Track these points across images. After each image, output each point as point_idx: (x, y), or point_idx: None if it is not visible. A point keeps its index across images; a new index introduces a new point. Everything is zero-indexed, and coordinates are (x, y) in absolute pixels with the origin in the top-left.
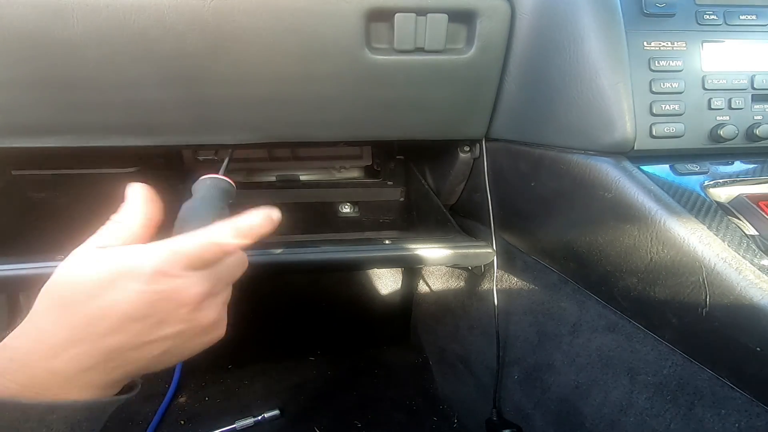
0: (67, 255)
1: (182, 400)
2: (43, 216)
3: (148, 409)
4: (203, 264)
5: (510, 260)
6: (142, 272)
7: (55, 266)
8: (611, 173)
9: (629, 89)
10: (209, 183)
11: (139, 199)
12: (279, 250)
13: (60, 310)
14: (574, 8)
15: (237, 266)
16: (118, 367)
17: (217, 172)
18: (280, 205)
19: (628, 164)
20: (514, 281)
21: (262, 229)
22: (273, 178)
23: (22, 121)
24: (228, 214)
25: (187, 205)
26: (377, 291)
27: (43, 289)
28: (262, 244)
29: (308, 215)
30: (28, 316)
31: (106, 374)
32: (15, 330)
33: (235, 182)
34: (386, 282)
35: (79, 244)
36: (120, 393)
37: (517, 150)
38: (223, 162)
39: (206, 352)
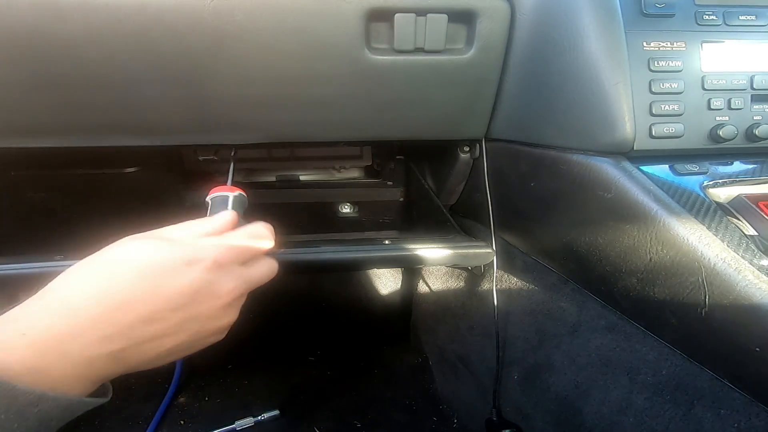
0: (65, 255)
1: (182, 399)
2: (43, 216)
3: (148, 409)
4: (247, 259)
5: (510, 260)
6: (204, 260)
7: (55, 266)
8: (611, 173)
9: (629, 89)
10: (225, 196)
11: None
12: (279, 251)
13: (101, 289)
14: (573, 8)
15: (268, 270)
16: (129, 359)
17: (224, 183)
18: (280, 206)
19: (627, 164)
20: (513, 281)
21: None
22: (273, 178)
23: (22, 121)
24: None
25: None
26: (377, 291)
27: (79, 266)
28: None
29: (308, 215)
30: (51, 291)
31: (113, 366)
32: (28, 302)
33: (237, 184)
34: (386, 282)
35: (78, 244)
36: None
37: (517, 150)
38: (228, 168)
39: (206, 351)
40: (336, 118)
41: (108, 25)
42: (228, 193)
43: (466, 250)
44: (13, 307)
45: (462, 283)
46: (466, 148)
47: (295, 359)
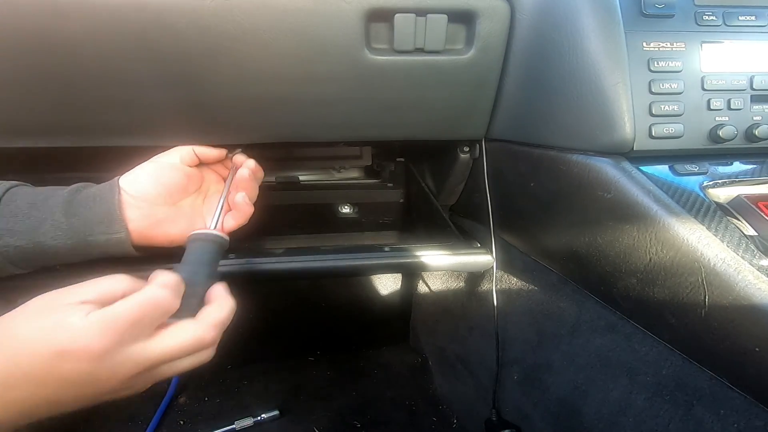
0: None
1: (182, 400)
2: None
3: (148, 409)
4: (144, 331)
5: (510, 261)
6: (81, 351)
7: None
8: (610, 173)
9: (629, 90)
10: (203, 241)
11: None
12: (278, 258)
13: (5, 368)
14: (573, 9)
15: (189, 337)
16: (44, 414)
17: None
18: (280, 207)
19: (627, 165)
20: (513, 282)
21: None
22: (272, 179)
23: (21, 120)
24: (217, 275)
25: (181, 268)
26: (377, 292)
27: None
28: (261, 250)
29: (308, 216)
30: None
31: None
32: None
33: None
34: (386, 283)
35: None
36: None
37: (517, 150)
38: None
39: None
40: (336, 118)
41: (107, 24)
42: (200, 233)
43: (466, 258)
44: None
45: (462, 284)
46: (466, 149)
47: (295, 359)
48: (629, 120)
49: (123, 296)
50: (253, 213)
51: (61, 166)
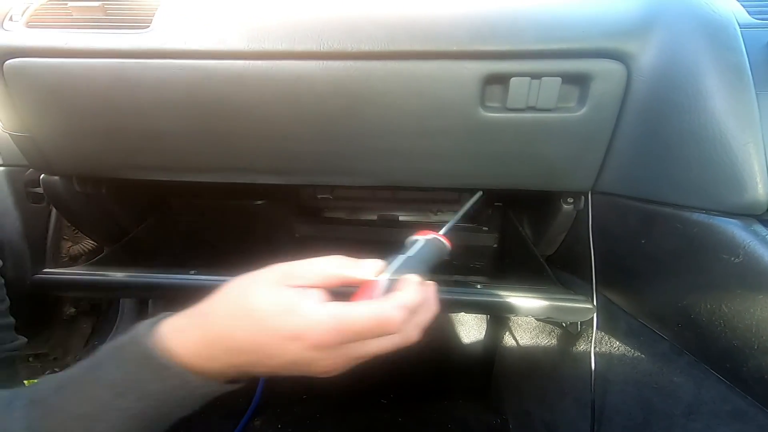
0: (198, 270)
1: (257, 422)
2: (182, 236)
3: (226, 428)
4: (357, 339)
5: (612, 321)
6: (309, 340)
7: (190, 278)
8: (739, 236)
9: (761, 149)
10: (429, 241)
11: (336, 264)
12: None
13: (226, 334)
14: (696, 70)
15: (390, 346)
16: (248, 374)
17: (434, 231)
18: (379, 243)
19: (760, 228)
20: (615, 345)
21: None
22: (374, 217)
23: (192, 161)
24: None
25: (402, 257)
26: (459, 338)
27: (219, 301)
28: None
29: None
30: (199, 324)
31: (239, 376)
32: (186, 320)
33: (341, 219)
34: (469, 330)
35: (208, 261)
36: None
37: (626, 204)
38: (336, 205)
39: (286, 378)
40: (445, 167)
41: (272, 92)
42: (420, 237)
43: (563, 303)
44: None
45: (554, 341)
46: (570, 200)
47: (368, 399)
48: (762, 180)
49: (341, 281)
50: (352, 248)
51: (210, 195)
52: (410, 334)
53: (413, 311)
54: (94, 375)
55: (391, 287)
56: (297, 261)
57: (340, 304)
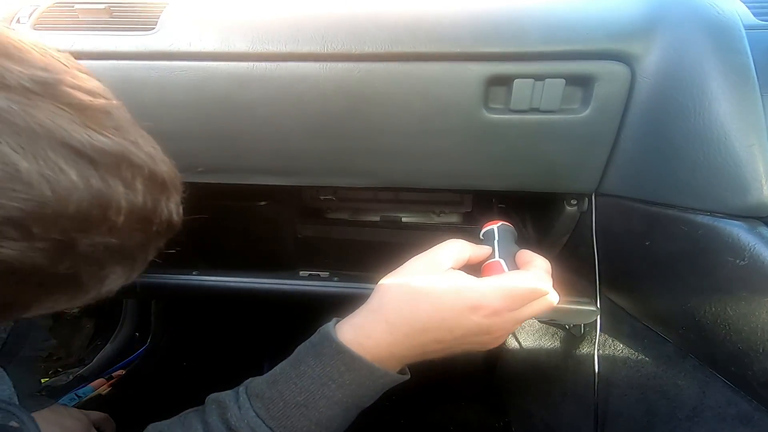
0: (200, 271)
1: None
2: (183, 236)
3: None
4: (522, 304)
5: (615, 323)
6: (487, 308)
7: (193, 279)
8: (744, 238)
9: (766, 151)
10: (508, 230)
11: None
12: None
13: (409, 316)
14: (701, 72)
15: (539, 310)
16: (420, 359)
17: (502, 220)
18: (381, 244)
19: (765, 230)
20: (619, 348)
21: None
22: (377, 218)
23: (200, 162)
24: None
25: (496, 242)
26: None
27: (391, 289)
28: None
29: (406, 255)
30: (375, 311)
31: (412, 361)
32: (361, 314)
33: (344, 220)
34: None
35: (209, 262)
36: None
37: (630, 206)
38: (339, 206)
39: None
40: (447, 168)
41: (276, 91)
42: (493, 227)
43: (567, 306)
44: None
45: (557, 343)
46: (573, 202)
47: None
48: (767, 183)
49: (469, 260)
50: (357, 249)
51: (214, 195)
52: (554, 295)
53: (551, 277)
54: (298, 370)
55: (508, 265)
56: (429, 250)
57: (496, 277)
